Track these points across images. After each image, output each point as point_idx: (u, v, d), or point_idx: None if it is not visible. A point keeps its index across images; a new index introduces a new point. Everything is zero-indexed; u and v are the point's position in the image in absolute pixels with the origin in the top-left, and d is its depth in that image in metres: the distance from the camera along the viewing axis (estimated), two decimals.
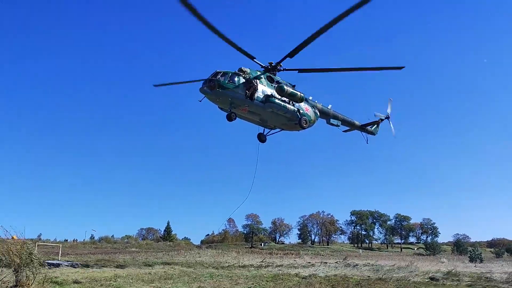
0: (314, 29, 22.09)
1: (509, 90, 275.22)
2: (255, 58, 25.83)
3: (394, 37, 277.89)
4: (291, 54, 25.33)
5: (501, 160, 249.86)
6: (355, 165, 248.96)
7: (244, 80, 25.26)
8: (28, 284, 19.20)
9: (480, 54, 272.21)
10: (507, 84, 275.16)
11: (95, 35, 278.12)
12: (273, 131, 30.60)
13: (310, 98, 30.97)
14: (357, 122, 35.73)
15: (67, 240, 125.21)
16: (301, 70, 27.21)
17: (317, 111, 30.93)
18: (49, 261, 35.02)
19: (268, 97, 26.31)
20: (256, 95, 25.75)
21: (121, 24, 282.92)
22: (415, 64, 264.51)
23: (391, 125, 38.26)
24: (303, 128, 28.88)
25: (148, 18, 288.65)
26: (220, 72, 24.70)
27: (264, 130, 30.43)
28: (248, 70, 26.12)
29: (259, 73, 26.88)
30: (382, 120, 37.81)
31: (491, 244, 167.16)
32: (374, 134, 37.62)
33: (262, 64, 27.13)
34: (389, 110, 38.61)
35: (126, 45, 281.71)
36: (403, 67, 26.34)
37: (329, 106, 32.71)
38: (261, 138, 30.45)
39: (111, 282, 22.77)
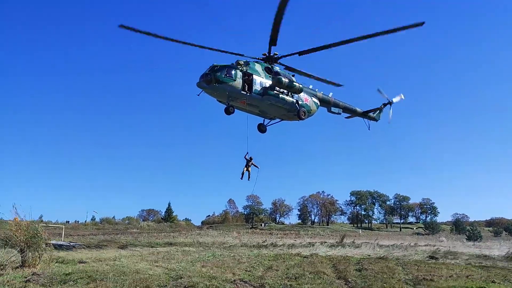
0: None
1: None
2: (243, 55, 25.79)
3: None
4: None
5: (500, 140, 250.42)
6: (355, 146, 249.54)
7: (242, 73, 25.25)
8: (34, 264, 19.47)
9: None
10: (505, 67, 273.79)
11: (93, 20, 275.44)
12: (273, 121, 30.69)
13: (310, 86, 30.85)
14: (358, 109, 35.55)
15: (68, 221, 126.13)
16: (301, 53, 27.05)
17: (317, 100, 30.81)
18: (53, 242, 35.34)
19: (266, 90, 26.28)
20: (253, 88, 25.71)
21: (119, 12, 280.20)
22: (417, 44, 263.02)
23: (391, 111, 37.99)
24: (302, 119, 28.99)
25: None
26: (217, 66, 24.67)
27: (264, 120, 30.53)
28: (246, 62, 26.06)
29: (256, 65, 26.79)
30: (384, 105, 37.57)
31: (490, 223, 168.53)
32: (377, 120, 37.39)
33: (257, 57, 27.07)
34: (386, 97, 38.22)
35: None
36: (423, 23, 23.89)
37: (330, 94, 32.53)
38: (261, 128, 30.57)
39: (116, 262, 23.05)
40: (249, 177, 27.10)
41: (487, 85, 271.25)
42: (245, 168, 26.17)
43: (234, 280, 17.57)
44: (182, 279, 17.50)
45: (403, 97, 38.32)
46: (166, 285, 15.78)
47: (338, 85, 30.74)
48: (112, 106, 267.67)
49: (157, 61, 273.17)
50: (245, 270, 21.55)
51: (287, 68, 28.16)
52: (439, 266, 25.44)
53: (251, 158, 26.46)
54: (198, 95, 25.58)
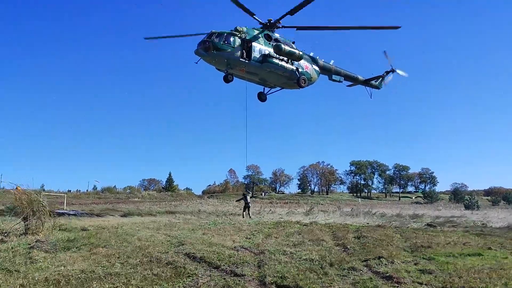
0: None
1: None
2: (254, 15, 25.29)
3: None
4: (292, 12, 24.79)
5: (500, 109, 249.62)
6: (355, 116, 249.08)
7: (240, 40, 24.84)
8: (37, 231, 19.69)
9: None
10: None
11: None
12: (273, 89, 30.40)
13: (311, 54, 30.48)
14: (360, 77, 35.19)
15: (70, 190, 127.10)
16: (299, 28, 26.73)
17: (317, 68, 30.45)
18: (56, 210, 35.74)
19: (265, 57, 25.91)
20: (253, 55, 25.32)
21: None
22: (414, 15, 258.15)
23: (400, 72, 37.66)
24: (302, 87, 28.74)
25: None
26: (215, 33, 24.31)
27: (264, 89, 30.28)
28: (245, 29, 25.56)
29: (256, 31, 26.31)
30: (387, 73, 37.29)
31: (488, 192, 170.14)
32: (379, 88, 37.14)
33: (261, 21, 26.55)
34: (390, 63, 37.82)
35: None
36: (399, 27, 26.27)
37: (331, 62, 32.15)
38: (261, 97, 30.31)
39: (118, 229, 23.33)
40: (249, 213, 27.52)
41: (488, 52, 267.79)
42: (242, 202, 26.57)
43: (235, 247, 17.83)
44: (184, 245, 17.75)
45: (405, 74, 38.34)
46: (168, 252, 16.01)
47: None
48: (110, 73, 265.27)
49: (154, 25, 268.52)
50: (246, 238, 21.84)
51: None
52: (437, 234, 25.75)
53: (245, 186, 26.78)
54: (196, 62, 25.35)
